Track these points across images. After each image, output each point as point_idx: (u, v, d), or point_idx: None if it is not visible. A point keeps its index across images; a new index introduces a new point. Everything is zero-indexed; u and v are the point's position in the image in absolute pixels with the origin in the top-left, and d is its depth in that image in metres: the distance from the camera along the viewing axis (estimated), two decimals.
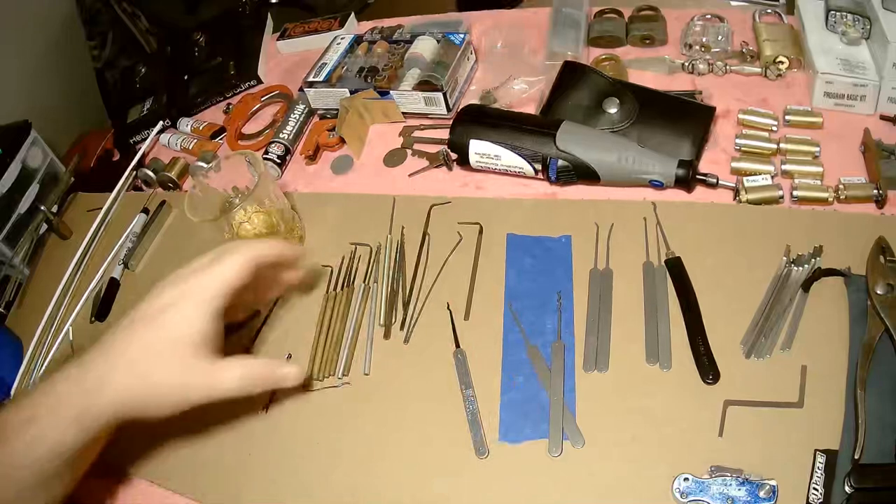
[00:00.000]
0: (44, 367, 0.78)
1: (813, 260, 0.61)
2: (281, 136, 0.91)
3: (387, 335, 0.69)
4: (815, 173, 0.68)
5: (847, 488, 0.48)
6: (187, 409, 0.54)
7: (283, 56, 1.10)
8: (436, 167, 0.83)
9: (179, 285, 0.55)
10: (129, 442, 0.67)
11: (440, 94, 0.85)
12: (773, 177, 0.69)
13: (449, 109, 0.87)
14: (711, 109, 0.74)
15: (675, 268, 0.64)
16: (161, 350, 0.52)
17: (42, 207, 0.93)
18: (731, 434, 0.54)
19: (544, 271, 0.68)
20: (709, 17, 0.86)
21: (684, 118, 0.74)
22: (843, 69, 0.71)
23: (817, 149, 0.70)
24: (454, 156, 0.80)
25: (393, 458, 0.60)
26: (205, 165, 0.89)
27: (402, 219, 0.78)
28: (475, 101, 0.87)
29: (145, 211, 0.90)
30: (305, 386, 0.66)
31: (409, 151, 0.87)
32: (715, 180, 0.69)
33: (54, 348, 0.79)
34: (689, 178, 0.69)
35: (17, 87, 1.11)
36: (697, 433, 0.54)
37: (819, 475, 0.49)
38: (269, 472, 0.62)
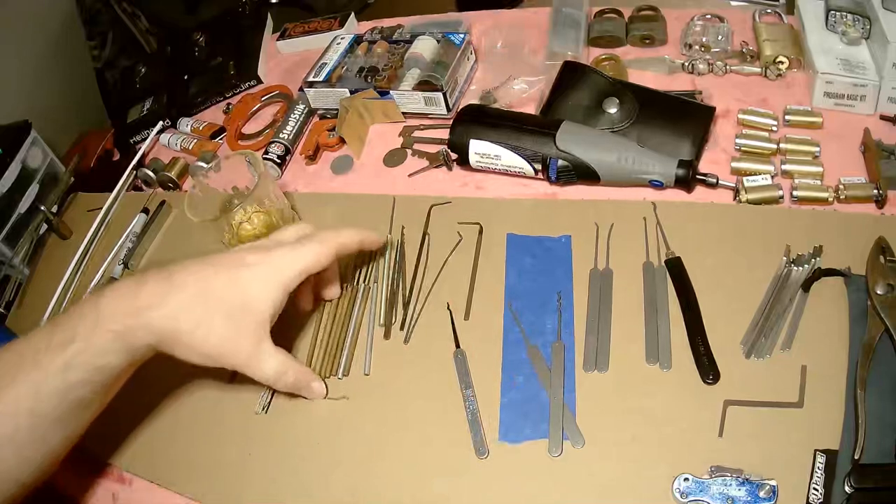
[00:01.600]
0: None
1: (813, 260, 0.61)
2: (281, 136, 0.91)
3: (387, 335, 0.69)
4: (815, 173, 0.68)
5: (847, 488, 0.48)
6: (213, 368, 0.53)
7: (283, 56, 1.10)
8: (436, 167, 0.83)
9: (262, 253, 0.54)
10: (129, 442, 0.67)
11: (440, 94, 0.85)
12: (773, 177, 0.69)
13: (449, 109, 0.87)
14: (711, 109, 0.74)
15: (675, 268, 0.64)
16: (223, 304, 0.51)
17: (42, 207, 0.92)
18: (731, 434, 0.54)
19: (544, 271, 0.68)
20: (709, 17, 0.86)
21: (684, 118, 0.74)
22: (843, 69, 0.71)
23: (817, 149, 0.70)
24: (454, 156, 0.80)
25: (393, 458, 0.60)
26: (205, 165, 0.89)
27: (402, 219, 0.78)
28: (475, 101, 0.87)
29: (145, 211, 0.90)
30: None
31: (409, 151, 0.87)
32: (715, 180, 0.69)
33: None
34: (689, 178, 0.69)
35: (17, 87, 1.11)
36: (697, 433, 0.54)
37: (819, 475, 0.49)
38: (269, 472, 0.62)
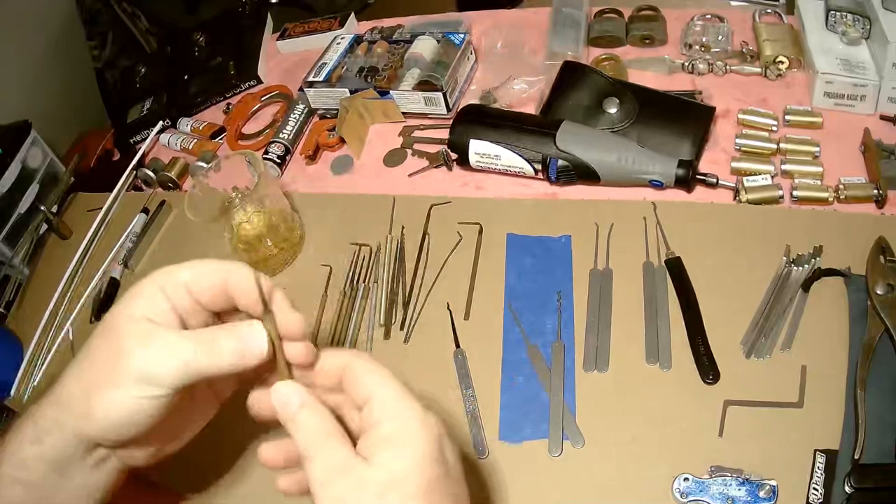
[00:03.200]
0: (44, 367, 0.78)
1: (813, 260, 0.61)
2: (281, 136, 0.91)
3: (387, 335, 0.69)
4: (815, 173, 0.68)
5: (847, 488, 0.48)
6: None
7: (283, 56, 1.10)
8: (436, 167, 0.83)
9: None
10: None
11: (440, 94, 0.85)
12: (773, 177, 0.69)
13: (449, 109, 0.87)
14: (711, 109, 0.74)
15: (675, 268, 0.64)
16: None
17: (42, 207, 0.92)
18: (731, 434, 0.54)
19: (544, 271, 0.68)
20: (709, 17, 0.86)
21: (684, 118, 0.74)
22: (843, 69, 0.71)
23: (817, 149, 0.70)
24: (454, 156, 0.80)
25: None
26: (205, 165, 0.89)
27: (402, 219, 0.78)
28: (475, 101, 0.87)
29: (145, 211, 0.90)
30: None
31: (409, 151, 0.87)
32: (715, 180, 0.69)
33: (54, 348, 0.79)
34: (689, 178, 0.69)
35: (17, 87, 1.11)
36: (697, 433, 0.54)
37: (819, 475, 0.49)
38: (268, 472, 0.62)
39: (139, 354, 0.37)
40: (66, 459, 0.39)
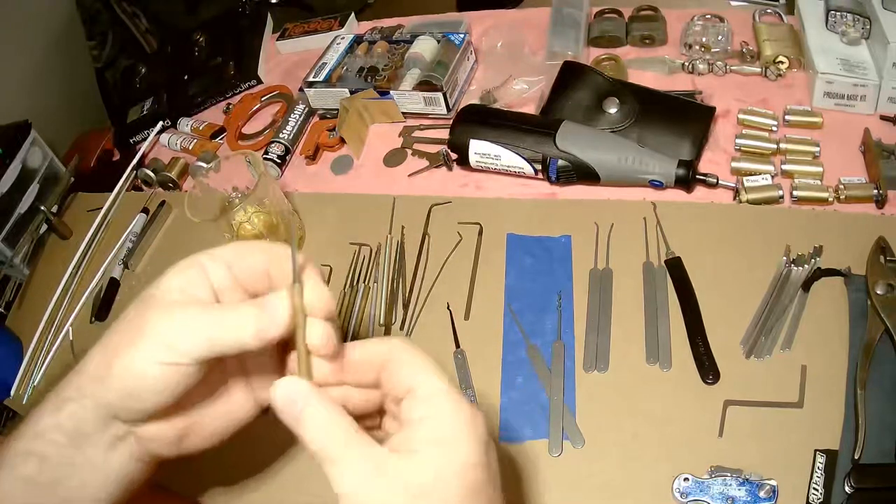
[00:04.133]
0: (44, 367, 0.78)
1: (813, 260, 0.61)
2: (281, 136, 0.91)
3: (387, 335, 0.69)
4: (815, 173, 0.68)
5: (847, 488, 0.48)
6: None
7: (283, 56, 1.10)
8: (436, 167, 0.83)
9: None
10: None
11: (440, 94, 0.85)
12: (773, 177, 0.69)
13: (449, 109, 0.87)
14: (711, 109, 0.74)
15: (675, 268, 0.64)
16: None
17: (42, 207, 0.92)
18: (731, 434, 0.54)
19: (544, 271, 0.68)
20: (709, 17, 0.86)
21: (684, 118, 0.74)
22: (843, 69, 0.71)
23: (817, 149, 0.70)
24: (454, 156, 0.80)
25: None
26: (205, 165, 0.89)
27: (402, 219, 0.78)
28: (475, 101, 0.87)
29: (145, 211, 0.90)
30: None
31: (409, 151, 0.87)
32: (715, 180, 0.69)
33: (54, 348, 0.79)
34: (689, 178, 0.69)
35: (17, 87, 1.11)
36: (697, 433, 0.54)
37: (819, 475, 0.49)
38: (268, 473, 0.62)
39: (165, 319, 0.35)
40: (84, 430, 0.37)
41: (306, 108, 0.95)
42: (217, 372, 0.39)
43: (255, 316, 0.36)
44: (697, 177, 0.70)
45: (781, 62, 0.78)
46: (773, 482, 0.50)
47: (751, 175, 0.70)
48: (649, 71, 0.84)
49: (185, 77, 1.10)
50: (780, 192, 0.67)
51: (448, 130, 0.79)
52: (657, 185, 0.70)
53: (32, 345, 0.80)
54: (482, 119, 0.77)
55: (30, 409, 0.39)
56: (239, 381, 0.42)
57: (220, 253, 0.38)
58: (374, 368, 0.38)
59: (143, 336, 0.35)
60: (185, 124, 1.03)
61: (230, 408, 0.43)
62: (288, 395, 0.35)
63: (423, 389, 0.35)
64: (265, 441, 0.64)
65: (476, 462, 0.33)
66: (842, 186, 0.66)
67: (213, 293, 0.38)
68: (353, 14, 1.07)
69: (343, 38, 0.99)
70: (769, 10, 0.85)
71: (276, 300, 0.36)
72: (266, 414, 0.66)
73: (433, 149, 0.85)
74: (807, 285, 0.60)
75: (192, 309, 0.36)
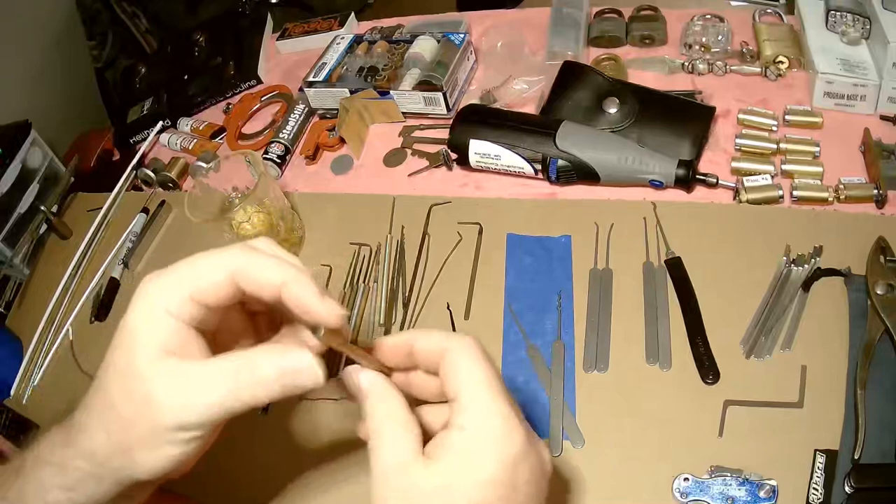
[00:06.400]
0: (44, 367, 0.78)
1: (813, 260, 0.61)
2: (281, 136, 0.91)
3: (387, 335, 0.69)
4: (815, 173, 0.68)
5: (847, 488, 0.48)
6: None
7: (283, 56, 1.10)
8: (436, 167, 0.83)
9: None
10: None
11: (440, 94, 0.85)
12: (773, 177, 0.69)
13: (449, 109, 0.87)
14: (711, 109, 0.74)
15: (675, 268, 0.64)
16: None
17: (42, 207, 0.92)
18: (731, 434, 0.54)
19: (544, 271, 0.68)
20: (709, 17, 0.86)
21: (684, 118, 0.74)
22: (843, 69, 0.71)
23: (817, 149, 0.70)
24: (454, 156, 0.80)
25: None
26: (205, 165, 0.89)
27: (402, 219, 0.78)
28: (475, 101, 0.87)
29: (145, 211, 0.90)
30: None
31: (409, 151, 0.87)
32: (715, 180, 0.69)
33: (54, 348, 0.79)
34: (689, 178, 0.69)
35: (17, 87, 1.11)
36: (697, 433, 0.54)
37: (819, 475, 0.49)
38: (268, 473, 0.62)
39: (170, 404, 0.33)
40: (102, 501, 0.37)
41: (306, 108, 0.95)
42: None
43: (276, 374, 0.34)
44: (697, 177, 0.70)
45: (781, 62, 0.78)
46: (773, 482, 0.50)
47: (751, 175, 0.70)
48: (649, 71, 0.84)
49: (185, 77, 1.10)
50: (780, 192, 0.67)
51: (448, 130, 0.79)
52: (657, 185, 0.70)
53: (32, 345, 0.80)
54: (482, 119, 0.77)
55: (26, 470, 0.38)
56: None
57: (178, 286, 0.34)
58: (434, 361, 0.37)
59: (156, 425, 0.33)
60: (185, 124, 1.03)
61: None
62: (357, 382, 0.37)
63: (465, 398, 0.35)
64: (263, 441, 0.64)
65: (496, 481, 0.33)
66: (842, 186, 0.66)
67: (199, 333, 0.35)
68: (353, 14, 1.07)
69: (343, 37, 0.99)
70: (769, 10, 0.85)
71: (299, 359, 0.34)
72: (266, 413, 0.66)
73: (433, 149, 0.85)
74: (807, 285, 0.60)
75: (199, 374, 0.33)
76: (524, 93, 0.86)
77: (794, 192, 0.67)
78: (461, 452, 0.33)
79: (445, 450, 0.34)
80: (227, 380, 0.33)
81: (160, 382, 0.33)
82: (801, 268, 0.61)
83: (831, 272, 0.60)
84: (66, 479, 0.37)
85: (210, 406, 0.33)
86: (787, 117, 0.74)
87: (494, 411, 0.35)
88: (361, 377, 0.37)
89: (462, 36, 0.90)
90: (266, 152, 0.90)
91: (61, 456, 0.37)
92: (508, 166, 0.76)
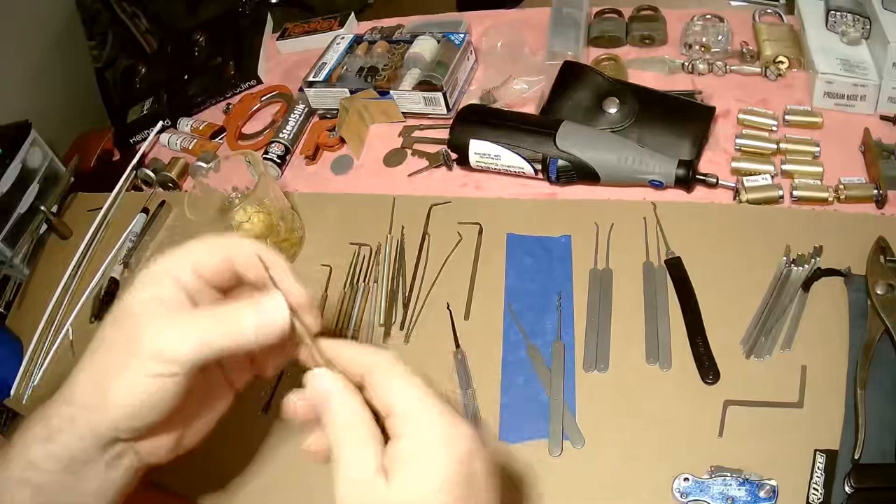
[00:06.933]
0: (44, 367, 0.78)
1: (813, 260, 0.61)
2: (281, 136, 0.91)
3: (387, 335, 0.69)
4: (814, 173, 0.68)
5: (847, 488, 0.48)
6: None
7: (283, 56, 1.10)
8: (436, 167, 0.83)
9: None
10: None
11: (440, 94, 0.85)
12: (773, 177, 0.69)
13: (449, 109, 0.87)
14: (711, 109, 0.74)
15: (675, 268, 0.64)
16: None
17: (42, 207, 0.92)
18: (731, 434, 0.54)
19: (544, 271, 0.68)
20: (709, 17, 0.86)
21: (684, 118, 0.74)
22: (843, 69, 0.71)
23: (817, 149, 0.70)
24: (454, 156, 0.80)
25: None
26: (205, 165, 0.89)
27: (402, 219, 0.78)
28: (475, 101, 0.87)
29: (145, 211, 0.90)
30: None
31: (409, 151, 0.87)
32: (715, 180, 0.69)
33: (54, 348, 0.79)
34: (689, 178, 0.69)
35: (17, 87, 1.11)
36: (697, 433, 0.54)
37: (819, 475, 0.49)
38: (268, 473, 0.62)
39: (153, 332, 0.35)
40: (80, 458, 0.37)
41: (306, 108, 0.95)
42: (205, 375, 0.39)
43: (255, 320, 0.36)
44: (697, 177, 0.70)
45: (781, 62, 0.78)
46: (773, 482, 0.50)
47: (751, 175, 0.70)
48: (649, 71, 0.84)
49: (185, 77, 1.10)
50: (780, 192, 0.67)
51: (448, 130, 0.79)
52: (657, 185, 0.70)
53: (32, 345, 0.80)
54: (482, 119, 0.77)
55: (14, 434, 0.39)
56: (218, 373, 0.43)
57: (182, 256, 0.38)
58: (358, 374, 0.38)
59: (136, 351, 0.35)
60: (185, 124, 1.03)
61: (215, 402, 0.43)
62: (323, 385, 0.36)
63: (400, 406, 0.36)
64: (258, 439, 0.64)
65: (454, 481, 0.33)
66: (842, 186, 0.66)
67: (189, 299, 0.37)
68: (353, 14, 1.07)
69: (343, 37, 0.99)
70: (769, 10, 0.85)
71: (274, 304, 0.36)
72: (266, 412, 0.66)
73: (433, 149, 0.85)
74: (807, 285, 0.60)
75: (182, 316, 0.36)
76: (524, 93, 0.86)
77: (794, 192, 0.67)
78: (415, 460, 0.34)
79: (400, 462, 0.34)
80: (208, 321, 0.36)
81: (147, 316, 0.36)
82: (801, 268, 0.61)
83: (831, 272, 0.60)
84: (47, 428, 0.37)
85: (190, 342, 0.35)
86: (787, 117, 0.74)
87: (436, 414, 0.35)
88: (320, 380, 0.36)
89: (462, 36, 0.90)
90: (266, 152, 0.90)
91: (46, 406, 0.38)
92: (508, 166, 0.76)
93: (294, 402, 0.38)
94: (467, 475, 0.34)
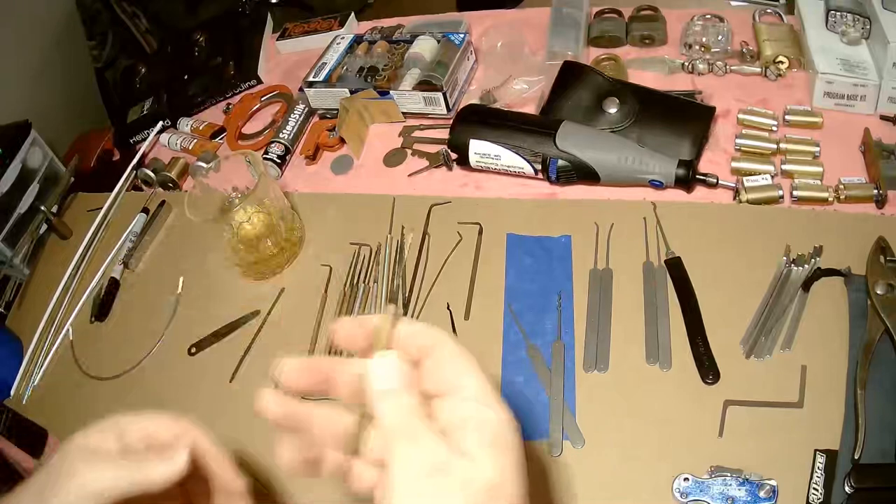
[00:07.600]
0: (44, 367, 0.78)
1: (813, 260, 0.61)
2: (281, 136, 0.91)
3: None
4: (815, 173, 0.68)
5: (847, 488, 0.48)
6: None
7: (283, 56, 1.10)
8: (436, 167, 0.83)
9: None
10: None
11: (440, 94, 0.85)
12: (773, 177, 0.69)
13: (449, 109, 0.87)
14: (711, 109, 0.74)
15: (675, 268, 0.64)
16: None
17: (42, 207, 0.92)
18: (731, 434, 0.54)
19: (544, 271, 0.68)
20: (709, 17, 0.86)
21: (684, 118, 0.74)
22: (843, 69, 0.71)
23: (817, 149, 0.70)
24: (454, 156, 0.80)
25: None
26: (205, 165, 0.89)
27: (402, 219, 0.78)
28: (475, 101, 0.87)
29: (145, 211, 0.90)
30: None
31: (409, 151, 0.87)
32: (715, 180, 0.69)
33: (54, 348, 0.79)
34: (689, 178, 0.69)
35: (17, 87, 1.11)
36: (697, 433, 0.54)
37: (819, 475, 0.49)
38: (268, 473, 0.62)
39: (84, 471, 0.39)
40: None
41: (306, 108, 0.95)
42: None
43: (163, 468, 0.39)
44: (697, 177, 0.70)
45: (781, 62, 0.78)
46: (773, 482, 0.50)
47: (751, 175, 0.70)
48: (649, 71, 0.84)
49: (185, 77, 1.10)
50: (780, 192, 0.67)
51: (448, 130, 0.79)
52: (657, 185, 0.70)
53: (32, 345, 0.80)
54: (482, 119, 0.77)
55: None
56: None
57: (133, 425, 0.42)
58: (416, 352, 0.36)
59: (63, 484, 0.39)
60: (185, 124, 1.03)
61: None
62: (384, 372, 0.35)
63: (470, 391, 0.35)
64: (264, 440, 0.64)
65: (524, 468, 0.34)
66: (842, 186, 0.66)
67: (124, 448, 0.41)
68: (353, 14, 1.07)
69: (343, 37, 0.99)
70: (769, 10, 0.85)
71: (179, 455, 0.40)
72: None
73: (433, 149, 0.85)
74: (807, 285, 0.60)
75: (100, 464, 0.40)
76: (524, 93, 0.86)
77: (794, 192, 0.67)
78: (500, 445, 0.34)
79: (473, 445, 0.33)
80: (127, 470, 0.39)
81: (75, 460, 0.40)
82: (801, 268, 0.61)
83: (831, 272, 0.60)
84: None
85: (112, 483, 0.38)
86: (787, 117, 0.74)
87: (500, 404, 0.35)
88: (391, 363, 0.35)
89: (462, 36, 0.90)
90: (266, 152, 0.90)
91: None
92: (508, 166, 0.76)
93: (268, 401, 0.37)
94: (525, 466, 0.35)
